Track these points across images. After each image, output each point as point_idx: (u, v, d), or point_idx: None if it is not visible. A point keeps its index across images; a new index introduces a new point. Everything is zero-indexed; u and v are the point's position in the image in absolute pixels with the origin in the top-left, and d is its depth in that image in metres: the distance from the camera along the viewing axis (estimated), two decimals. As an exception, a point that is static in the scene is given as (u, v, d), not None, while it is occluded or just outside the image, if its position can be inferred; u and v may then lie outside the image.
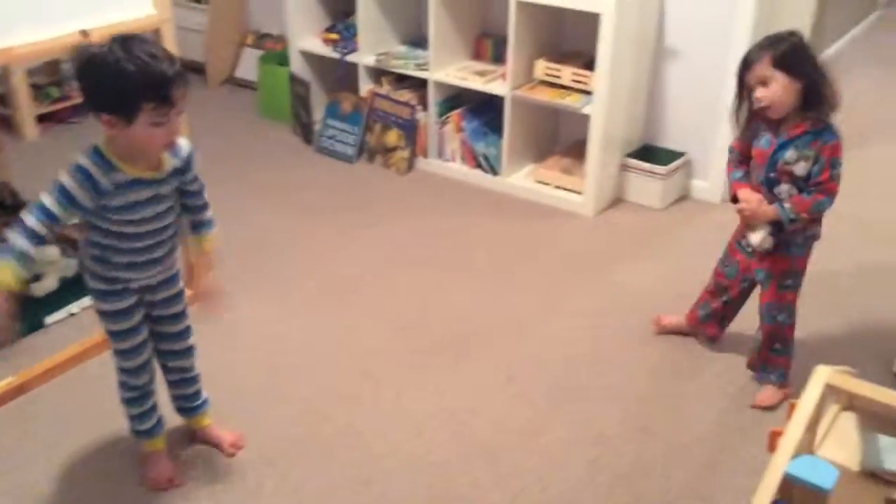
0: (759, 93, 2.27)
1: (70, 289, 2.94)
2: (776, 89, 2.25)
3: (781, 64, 2.23)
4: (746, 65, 2.29)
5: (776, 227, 2.38)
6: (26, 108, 4.27)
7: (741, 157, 2.47)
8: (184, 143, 2.01)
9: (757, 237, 2.40)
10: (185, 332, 2.22)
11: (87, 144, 1.88)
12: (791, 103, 2.27)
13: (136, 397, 2.18)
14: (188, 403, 2.32)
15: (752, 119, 2.39)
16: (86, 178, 1.84)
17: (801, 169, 2.31)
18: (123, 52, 1.76)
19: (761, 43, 2.30)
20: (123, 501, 2.21)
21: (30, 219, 1.82)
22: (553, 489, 2.25)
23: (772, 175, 2.36)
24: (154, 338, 2.18)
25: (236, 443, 2.36)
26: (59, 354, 2.64)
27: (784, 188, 2.36)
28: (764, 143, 2.37)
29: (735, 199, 2.46)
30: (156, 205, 1.96)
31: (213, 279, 2.14)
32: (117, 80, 1.76)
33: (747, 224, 2.45)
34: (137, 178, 1.89)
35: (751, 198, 2.40)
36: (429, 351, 2.80)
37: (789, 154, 2.31)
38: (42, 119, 4.37)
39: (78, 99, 4.24)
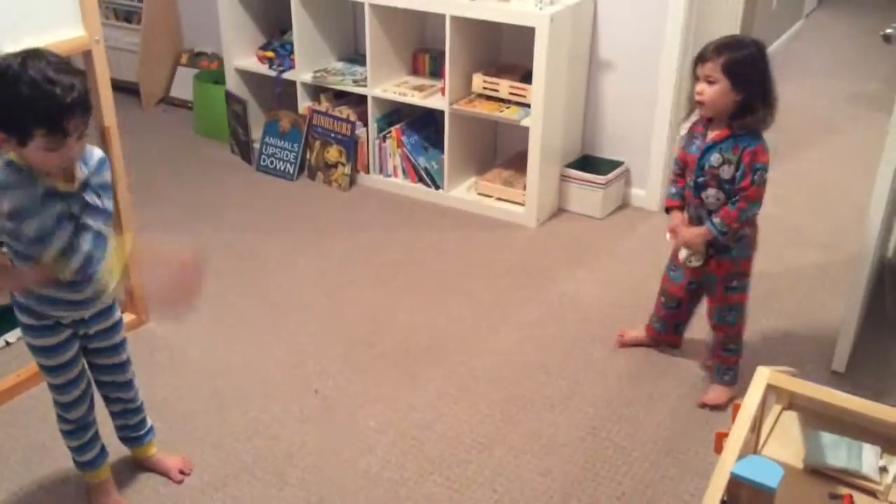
0: (699, 87, 2.33)
1: (5, 317, 2.85)
2: (716, 91, 2.29)
3: (729, 71, 2.27)
4: (702, 58, 2.33)
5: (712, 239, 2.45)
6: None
7: (682, 167, 2.52)
8: (96, 152, 1.89)
9: (683, 253, 2.52)
10: (125, 365, 2.15)
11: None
12: (725, 107, 2.31)
13: (74, 429, 2.12)
14: (132, 433, 2.27)
15: (694, 126, 2.45)
16: (14, 171, 1.74)
17: (725, 173, 2.36)
18: (21, 70, 1.65)
19: (722, 42, 2.32)
20: (68, 536, 2.15)
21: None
22: (506, 499, 2.26)
23: (700, 180, 2.41)
24: (92, 369, 2.12)
25: (184, 468, 2.32)
26: (-5, 386, 2.57)
27: (711, 193, 2.40)
28: (694, 149, 2.43)
29: (668, 210, 2.56)
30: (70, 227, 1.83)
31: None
32: (9, 101, 1.66)
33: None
34: (52, 188, 1.77)
35: (677, 229, 2.49)
36: (379, 367, 2.79)
37: (714, 157, 2.36)
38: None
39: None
